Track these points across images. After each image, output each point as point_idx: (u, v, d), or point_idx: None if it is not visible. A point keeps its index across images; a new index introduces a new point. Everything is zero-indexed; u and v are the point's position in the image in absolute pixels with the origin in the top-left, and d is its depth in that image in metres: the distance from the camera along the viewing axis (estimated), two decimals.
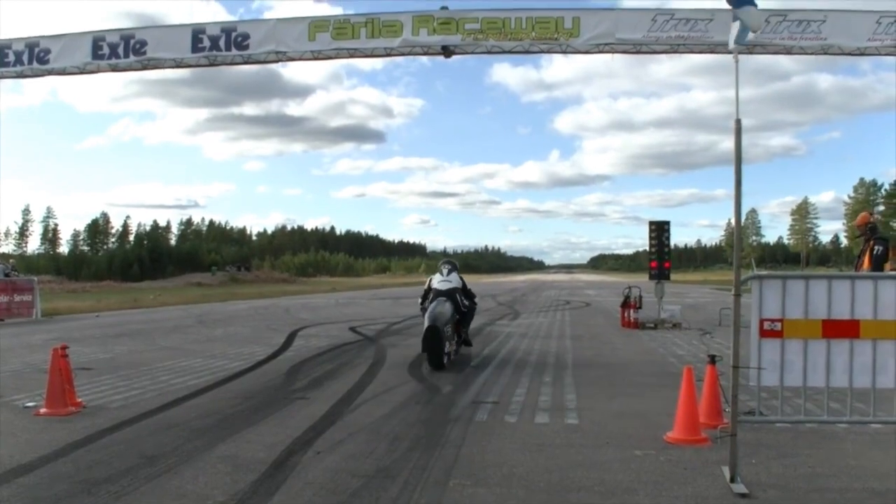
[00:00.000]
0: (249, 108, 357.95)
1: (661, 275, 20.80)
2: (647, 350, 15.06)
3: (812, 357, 6.02)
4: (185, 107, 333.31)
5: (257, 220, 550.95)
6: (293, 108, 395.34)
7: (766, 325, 6.00)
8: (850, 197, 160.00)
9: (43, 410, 8.81)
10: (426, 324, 12.41)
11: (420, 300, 14.00)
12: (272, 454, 6.74)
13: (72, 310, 31.64)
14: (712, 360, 7.86)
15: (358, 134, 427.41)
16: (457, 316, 13.52)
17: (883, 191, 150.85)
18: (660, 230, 21.02)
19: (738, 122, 6.16)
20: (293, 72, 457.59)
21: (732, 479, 5.82)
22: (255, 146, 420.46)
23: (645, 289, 22.04)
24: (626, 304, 20.73)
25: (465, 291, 13.92)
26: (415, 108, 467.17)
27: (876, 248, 12.84)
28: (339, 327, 21.17)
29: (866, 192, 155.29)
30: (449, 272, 13.89)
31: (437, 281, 13.77)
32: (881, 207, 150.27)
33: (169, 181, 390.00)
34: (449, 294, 13.48)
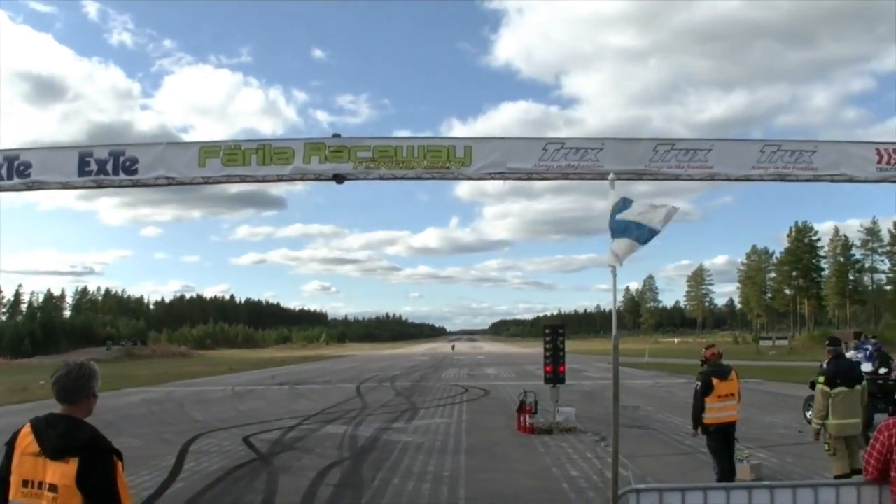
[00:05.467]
0: None
1: (556, 379, 20.93)
2: (541, 470, 15.09)
3: None
4: None
5: (155, 288, 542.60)
6: None
7: None
8: (743, 264, 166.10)
9: None
10: None
11: None
12: None
13: None
14: None
15: (258, 200, 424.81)
16: None
17: (774, 258, 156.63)
18: (555, 334, 21.24)
19: (615, 268, 6.31)
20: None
21: None
22: (152, 212, 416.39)
23: (540, 392, 22.23)
24: (521, 409, 20.86)
25: None
26: None
27: (696, 384, 12.38)
28: (233, 436, 20.72)
29: (759, 259, 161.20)
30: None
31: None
32: (773, 274, 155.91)
33: (63, 248, 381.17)
34: None
